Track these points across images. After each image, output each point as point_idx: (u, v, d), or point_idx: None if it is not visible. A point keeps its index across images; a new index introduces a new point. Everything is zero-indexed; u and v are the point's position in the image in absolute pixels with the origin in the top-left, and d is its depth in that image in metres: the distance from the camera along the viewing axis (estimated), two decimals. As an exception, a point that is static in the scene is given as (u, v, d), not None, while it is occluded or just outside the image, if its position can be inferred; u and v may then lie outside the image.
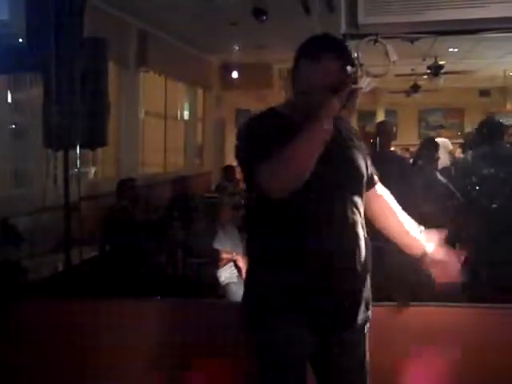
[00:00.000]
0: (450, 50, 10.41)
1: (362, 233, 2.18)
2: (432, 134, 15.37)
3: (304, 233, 2.09)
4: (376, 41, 3.11)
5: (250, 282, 2.25)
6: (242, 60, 10.04)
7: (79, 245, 3.94)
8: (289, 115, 2.16)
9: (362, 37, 3.16)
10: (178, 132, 10.56)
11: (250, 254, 2.27)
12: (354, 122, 16.25)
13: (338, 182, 2.14)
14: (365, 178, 2.26)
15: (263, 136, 2.08)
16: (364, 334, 2.26)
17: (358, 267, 2.14)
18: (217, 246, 4.85)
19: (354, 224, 2.16)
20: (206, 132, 11.21)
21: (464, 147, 11.65)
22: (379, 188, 2.39)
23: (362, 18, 3.10)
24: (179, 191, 6.88)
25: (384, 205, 2.37)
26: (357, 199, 2.19)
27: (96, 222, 5.63)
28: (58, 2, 3.46)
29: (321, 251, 2.09)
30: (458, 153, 12.21)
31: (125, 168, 7.65)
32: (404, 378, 2.92)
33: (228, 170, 9.59)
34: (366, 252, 2.19)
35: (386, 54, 3.10)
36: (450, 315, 3.01)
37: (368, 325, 2.26)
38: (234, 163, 10.82)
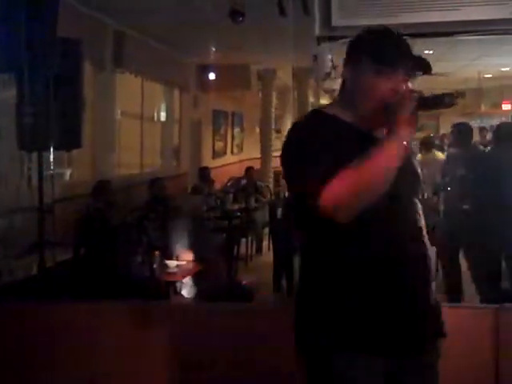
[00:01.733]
0: (426, 52, 10.49)
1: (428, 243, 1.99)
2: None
3: (385, 247, 1.86)
4: (349, 43, 3.12)
5: (317, 301, 1.92)
6: (218, 61, 10.03)
7: (53, 247, 3.90)
8: (344, 119, 1.92)
9: (336, 39, 3.17)
10: (155, 133, 10.52)
11: (310, 281, 1.96)
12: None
13: (408, 191, 1.96)
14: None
15: (329, 144, 1.80)
16: (437, 355, 2.04)
17: (431, 282, 1.97)
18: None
19: (423, 234, 1.97)
20: (183, 133, 11.18)
21: (438, 148, 11.78)
22: None
23: (335, 21, 3.11)
24: (156, 192, 6.86)
25: None
26: (419, 206, 2.01)
27: (72, 223, 5.59)
28: (30, 3, 3.43)
29: (406, 267, 1.88)
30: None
31: (101, 169, 7.60)
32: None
33: (204, 171, 9.58)
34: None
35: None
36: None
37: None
38: (210, 164, 10.84)
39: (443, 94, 1.76)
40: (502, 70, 12.56)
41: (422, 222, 1.98)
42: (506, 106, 14.93)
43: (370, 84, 1.87)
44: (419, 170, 2.06)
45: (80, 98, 4.17)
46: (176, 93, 10.97)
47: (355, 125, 1.90)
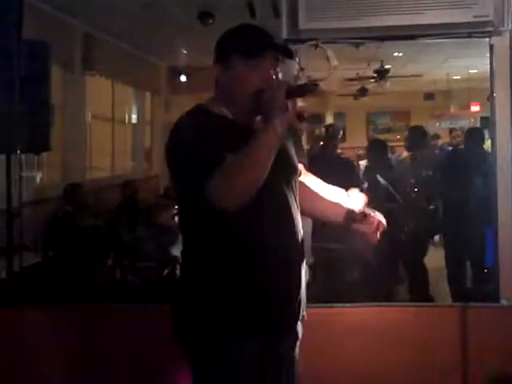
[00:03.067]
0: (395, 54, 10.62)
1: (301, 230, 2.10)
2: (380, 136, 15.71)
3: (261, 231, 1.96)
4: (317, 46, 3.15)
5: (194, 290, 2.02)
6: (189, 64, 10.02)
7: (20, 251, 3.87)
8: (227, 116, 2.01)
9: (303, 41, 3.19)
10: (126, 136, 10.48)
11: (192, 261, 2.06)
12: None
13: (281, 181, 2.03)
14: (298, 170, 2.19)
15: (209, 140, 1.88)
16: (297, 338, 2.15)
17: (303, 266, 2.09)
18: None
19: (298, 221, 2.07)
20: (154, 136, 11.15)
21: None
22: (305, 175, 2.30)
23: (302, 23, 3.13)
24: (128, 194, 6.84)
25: (304, 190, 2.23)
26: (296, 194, 2.11)
27: (42, 227, 5.55)
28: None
29: (277, 253, 1.99)
30: (405, 154, 12.45)
31: (71, 172, 7.56)
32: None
33: (176, 173, 9.54)
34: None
35: (327, 58, 3.14)
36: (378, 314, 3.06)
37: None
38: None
39: (306, 84, 1.99)
40: (470, 72, 12.73)
41: (296, 211, 2.07)
42: (474, 108, 15.12)
43: (241, 77, 1.98)
44: (296, 161, 2.15)
45: (48, 101, 4.14)
46: (147, 95, 10.94)
47: (236, 120, 2.00)
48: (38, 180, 7.56)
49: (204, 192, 1.81)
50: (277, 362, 2.03)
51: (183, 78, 10.55)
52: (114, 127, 9.76)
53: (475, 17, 3.13)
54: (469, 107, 15.28)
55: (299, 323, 2.13)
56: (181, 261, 2.13)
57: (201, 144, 1.87)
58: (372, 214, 2.22)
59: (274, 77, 1.96)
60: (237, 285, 1.96)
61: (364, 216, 2.20)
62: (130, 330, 3.08)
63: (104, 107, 9.45)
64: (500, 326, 2.97)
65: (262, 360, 1.97)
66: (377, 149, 6.15)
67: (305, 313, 2.13)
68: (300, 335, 2.15)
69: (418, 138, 5.89)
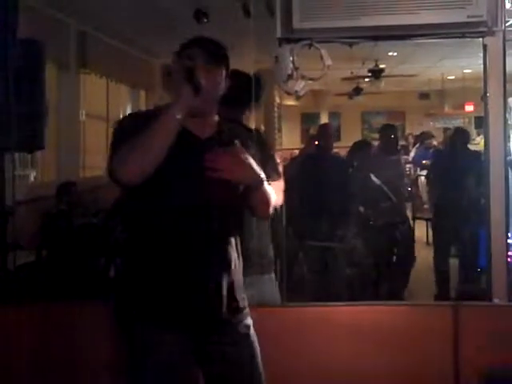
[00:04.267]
0: (390, 54, 10.63)
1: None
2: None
3: (166, 223, 2.11)
4: (311, 45, 3.16)
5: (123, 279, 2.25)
6: (184, 62, 10.00)
7: (14, 250, 3.87)
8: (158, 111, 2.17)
9: (297, 41, 3.20)
10: (121, 134, 10.46)
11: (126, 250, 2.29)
12: (297, 125, 16.42)
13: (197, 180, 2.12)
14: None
15: (130, 130, 2.10)
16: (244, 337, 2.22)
17: (218, 258, 2.16)
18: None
19: (218, 218, 2.16)
20: (149, 134, 11.13)
21: (404, 148, 11.95)
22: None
23: (296, 23, 3.14)
24: (121, 194, 6.83)
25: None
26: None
27: (36, 226, 5.53)
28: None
29: (186, 247, 2.11)
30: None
31: (65, 171, 7.55)
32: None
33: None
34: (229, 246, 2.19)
35: (321, 58, 3.15)
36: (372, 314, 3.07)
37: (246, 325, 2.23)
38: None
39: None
40: (465, 71, 12.76)
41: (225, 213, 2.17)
42: (468, 107, 15.16)
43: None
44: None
45: (43, 100, 4.13)
46: (142, 93, 10.92)
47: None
48: (32, 178, 7.54)
49: (109, 168, 2.07)
50: (202, 358, 2.16)
51: (178, 77, 10.51)
52: (109, 126, 9.73)
53: (469, 17, 3.13)
54: (463, 107, 15.33)
55: (236, 316, 2.19)
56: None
57: (122, 129, 2.17)
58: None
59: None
60: (145, 275, 2.13)
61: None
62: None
63: (98, 106, 9.43)
64: (492, 325, 2.98)
65: (179, 354, 2.10)
66: (359, 149, 6.20)
67: (241, 304, 2.21)
68: (241, 330, 2.20)
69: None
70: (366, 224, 5.29)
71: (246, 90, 2.95)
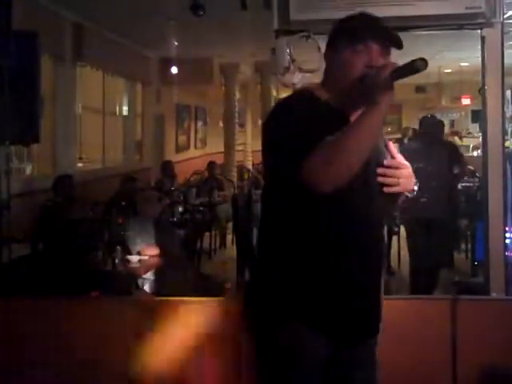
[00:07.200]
0: (387, 46, 10.59)
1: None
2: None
3: (343, 234, 1.92)
4: (308, 37, 3.13)
5: (266, 281, 2.00)
6: (181, 55, 9.98)
7: (9, 243, 3.86)
8: (326, 100, 1.97)
9: (294, 33, 3.17)
10: (117, 127, 10.43)
11: (266, 252, 2.04)
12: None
13: (375, 181, 1.98)
14: None
15: (306, 121, 1.86)
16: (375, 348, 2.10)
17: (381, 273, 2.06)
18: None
19: (382, 227, 2.07)
20: (145, 128, 11.11)
21: (400, 142, 11.93)
22: None
23: (293, 14, 3.12)
24: (126, 189, 6.83)
25: None
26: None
27: (32, 219, 5.53)
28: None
29: (357, 255, 1.95)
30: (396, 147, 12.48)
31: (62, 164, 7.53)
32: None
33: (167, 165, 9.54)
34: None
35: (318, 49, 3.12)
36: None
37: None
38: (173, 158, 10.80)
39: (413, 61, 1.80)
40: (462, 64, 12.74)
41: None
42: (465, 101, 15.15)
43: (345, 61, 1.94)
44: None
45: (38, 92, 4.12)
46: (138, 87, 10.89)
47: (334, 105, 1.96)
48: (28, 172, 7.53)
49: (300, 170, 1.78)
50: (335, 364, 2.01)
51: (174, 70, 10.51)
52: (105, 119, 9.71)
53: (467, 8, 3.11)
54: (460, 100, 15.31)
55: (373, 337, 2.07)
56: (259, 240, 2.09)
57: (300, 122, 1.86)
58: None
59: (380, 63, 1.90)
60: (311, 276, 1.93)
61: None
62: (119, 321, 3.07)
63: (94, 99, 9.40)
64: (490, 319, 2.98)
65: (320, 359, 1.96)
66: None
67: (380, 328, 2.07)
68: (375, 351, 2.09)
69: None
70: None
71: None
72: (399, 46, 1.96)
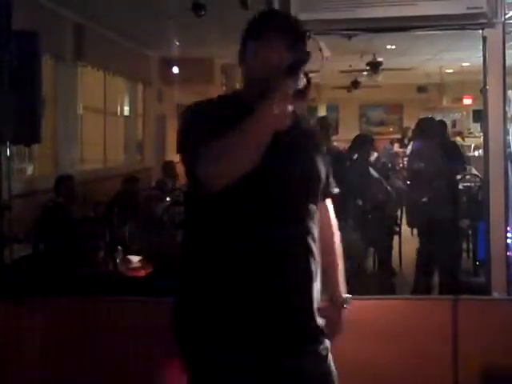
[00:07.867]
0: (388, 47, 10.61)
1: (314, 249, 1.97)
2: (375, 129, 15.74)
3: (251, 245, 1.88)
4: (309, 37, 3.13)
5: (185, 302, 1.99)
6: (182, 55, 9.99)
7: (11, 243, 3.86)
8: (241, 101, 1.96)
9: (295, 33, 3.16)
10: (118, 127, 10.44)
11: (185, 267, 2.01)
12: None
13: (293, 181, 1.94)
14: (322, 183, 2.05)
15: (210, 120, 1.87)
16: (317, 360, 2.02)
17: (305, 284, 1.97)
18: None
19: (307, 236, 1.96)
20: (147, 128, 11.12)
21: (401, 142, 11.93)
22: (328, 203, 2.20)
23: (295, 14, 3.11)
24: (128, 189, 6.84)
25: (325, 222, 2.14)
26: (311, 206, 1.98)
27: (33, 219, 5.53)
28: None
29: (270, 267, 1.89)
30: (397, 147, 12.51)
31: (63, 164, 7.54)
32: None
33: (168, 165, 9.52)
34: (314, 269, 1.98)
35: (320, 50, 3.12)
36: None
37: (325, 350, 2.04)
38: (175, 159, 10.78)
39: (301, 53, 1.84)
40: (463, 65, 12.74)
41: (312, 227, 1.97)
42: (466, 101, 15.16)
43: (249, 60, 1.96)
44: (320, 170, 2.03)
45: (39, 92, 4.10)
46: (139, 87, 10.90)
47: (249, 104, 1.85)
48: (29, 172, 7.53)
49: (196, 167, 1.81)
50: (277, 376, 1.96)
51: (175, 70, 10.51)
52: (106, 119, 9.71)
53: (468, 8, 3.11)
54: (461, 100, 15.33)
55: (317, 338, 2.02)
56: (181, 254, 2.05)
57: (199, 122, 1.91)
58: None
59: (277, 59, 1.85)
60: (220, 293, 1.91)
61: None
62: (121, 323, 3.07)
63: (96, 99, 9.41)
64: (492, 319, 2.97)
65: (255, 374, 1.92)
66: (360, 143, 6.19)
67: (321, 324, 2.02)
68: (321, 350, 2.03)
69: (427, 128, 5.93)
70: (364, 217, 5.29)
71: None
72: (298, 35, 1.94)
